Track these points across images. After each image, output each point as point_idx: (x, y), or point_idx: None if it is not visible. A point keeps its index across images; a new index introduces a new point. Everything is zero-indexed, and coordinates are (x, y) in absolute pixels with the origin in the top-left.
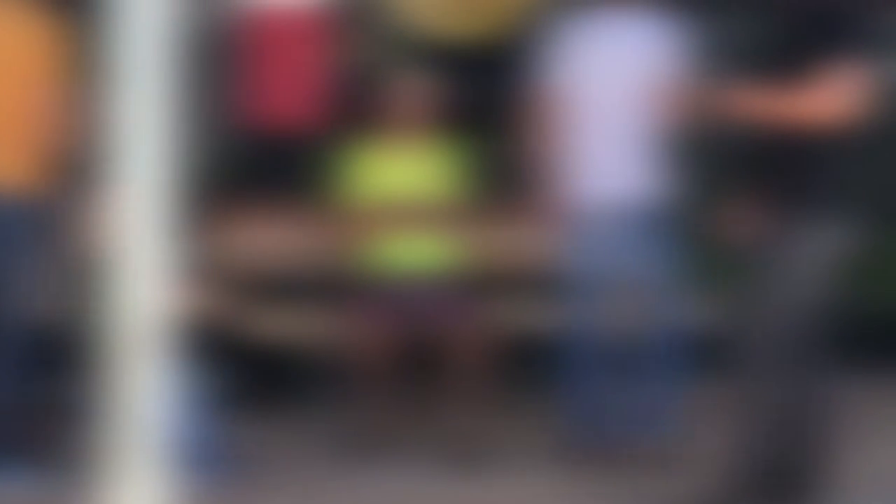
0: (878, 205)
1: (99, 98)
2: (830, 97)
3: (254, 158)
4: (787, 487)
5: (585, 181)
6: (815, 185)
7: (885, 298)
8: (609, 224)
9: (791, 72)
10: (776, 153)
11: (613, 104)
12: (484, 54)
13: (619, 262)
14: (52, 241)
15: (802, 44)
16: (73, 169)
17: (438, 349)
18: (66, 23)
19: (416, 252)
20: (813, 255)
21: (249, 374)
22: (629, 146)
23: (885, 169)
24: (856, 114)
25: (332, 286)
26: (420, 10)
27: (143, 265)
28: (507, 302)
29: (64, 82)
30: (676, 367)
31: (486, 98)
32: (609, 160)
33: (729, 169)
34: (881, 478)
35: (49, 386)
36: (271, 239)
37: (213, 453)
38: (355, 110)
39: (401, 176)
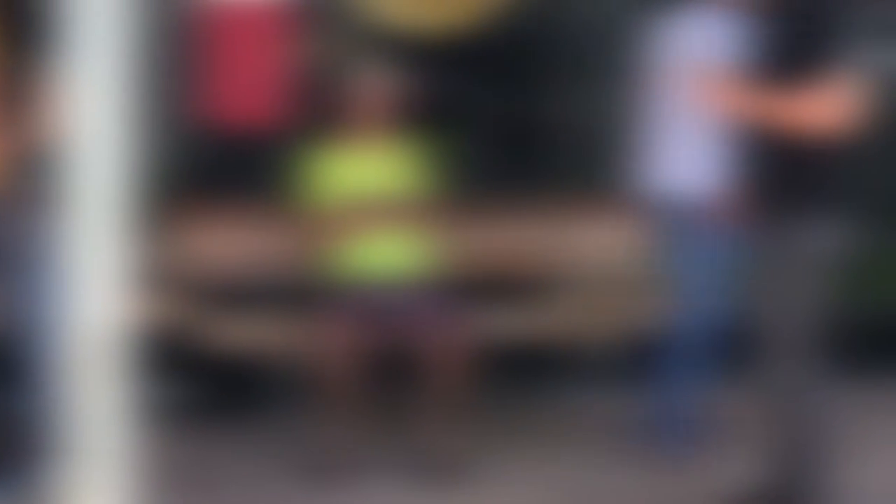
0: (879, 207)
1: (53, 99)
2: (828, 104)
3: (212, 159)
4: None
5: (669, 169)
6: (812, 185)
7: (885, 302)
8: (682, 218)
9: (789, 77)
10: (775, 153)
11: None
12: (452, 48)
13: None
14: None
15: (799, 49)
16: (28, 175)
17: (413, 358)
18: (19, 24)
19: (386, 255)
20: (809, 256)
21: (209, 386)
22: (699, 140)
23: (886, 170)
24: (853, 117)
25: (297, 292)
26: (385, 2)
27: (97, 272)
28: (489, 307)
29: (15, 85)
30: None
31: (455, 92)
32: (690, 151)
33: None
34: (878, 486)
35: (3, 398)
36: (232, 243)
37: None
38: (318, 107)
39: (366, 174)
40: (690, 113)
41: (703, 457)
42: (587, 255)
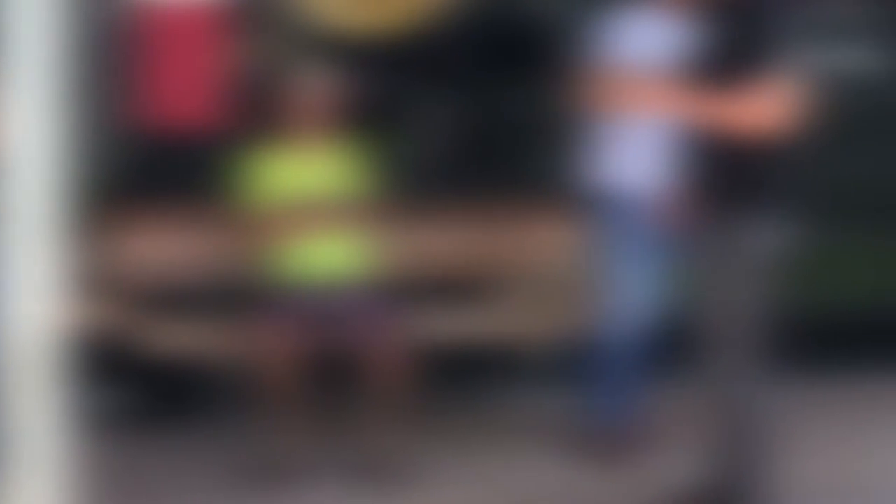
0: (824, 205)
1: None
2: (767, 105)
3: (149, 162)
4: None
5: (612, 170)
6: (753, 185)
7: (830, 300)
8: (631, 217)
9: (729, 78)
10: (716, 154)
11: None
12: (392, 49)
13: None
14: None
15: (739, 50)
16: None
17: (353, 361)
18: None
19: (326, 257)
20: (751, 255)
21: (147, 391)
22: (641, 140)
23: (832, 168)
24: (794, 118)
25: (236, 295)
26: (325, 2)
27: (32, 278)
28: (431, 309)
29: None
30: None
31: (393, 93)
32: (633, 152)
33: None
34: (821, 483)
35: None
36: (169, 247)
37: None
38: (256, 109)
39: (305, 176)
40: (631, 114)
41: (643, 454)
42: (528, 256)
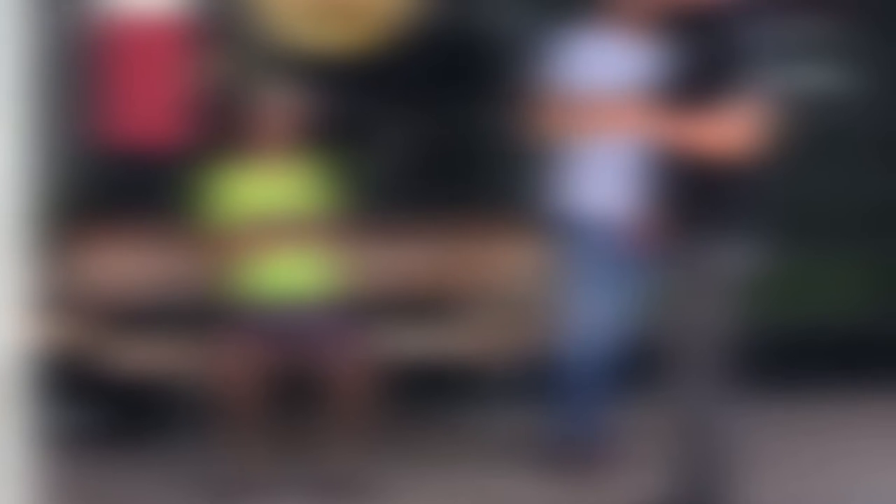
0: (787, 225)
1: None
2: (733, 126)
3: (112, 179)
4: None
5: (575, 192)
6: (720, 206)
7: (797, 320)
8: (595, 238)
9: (695, 99)
10: (682, 176)
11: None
12: (356, 67)
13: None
14: None
15: (706, 71)
16: None
17: (317, 380)
18: None
19: (289, 275)
20: (717, 276)
21: (108, 410)
22: (613, 162)
23: (799, 187)
24: (761, 139)
25: (198, 314)
26: (288, 21)
27: None
28: (394, 327)
29: None
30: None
31: (356, 112)
32: (597, 174)
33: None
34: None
35: None
36: (131, 264)
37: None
38: (220, 127)
39: (269, 194)
40: (590, 136)
41: (607, 472)
42: (491, 274)
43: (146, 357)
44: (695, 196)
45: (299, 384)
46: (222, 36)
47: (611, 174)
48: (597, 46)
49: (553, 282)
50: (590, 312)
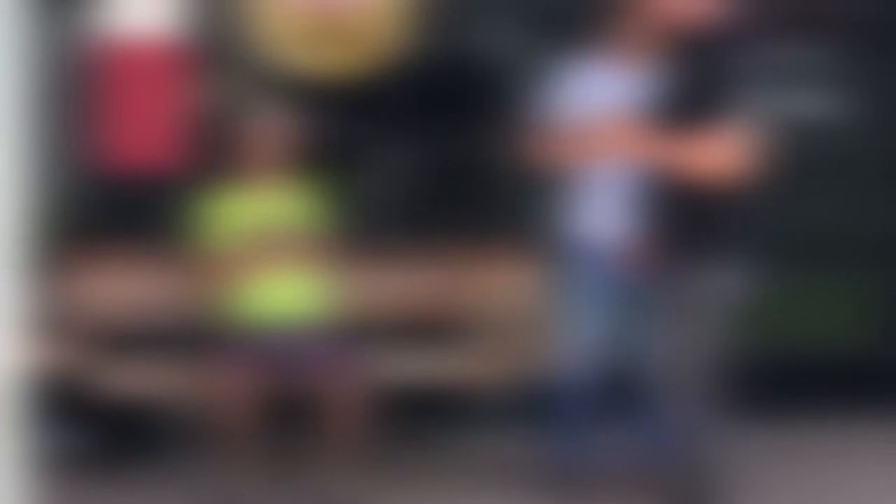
0: (778, 251)
1: None
2: (723, 151)
3: (105, 202)
4: None
5: (572, 217)
6: (710, 231)
7: (787, 346)
8: (591, 263)
9: (686, 124)
10: (672, 200)
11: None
12: (350, 91)
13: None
14: None
15: (696, 96)
16: None
17: (310, 404)
18: None
19: (282, 297)
20: (707, 301)
21: (100, 433)
22: (609, 187)
23: (789, 212)
24: (750, 164)
25: (192, 336)
26: (283, 44)
27: None
28: (390, 351)
29: None
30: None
31: (352, 135)
32: (592, 199)
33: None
34: None
35: None
36: (124, 287)
37: None
38: (214, 150)
39: (261, 216)
40: (586, 162)
41: (600, 497)
42: (487, 298)
43: (139, 380)
44: (686, 220)
45: (293, 408)
46: (217, 59)
47: (606, 199)
48: (592, 72)
49: (549, 306)
50: (586, 337)
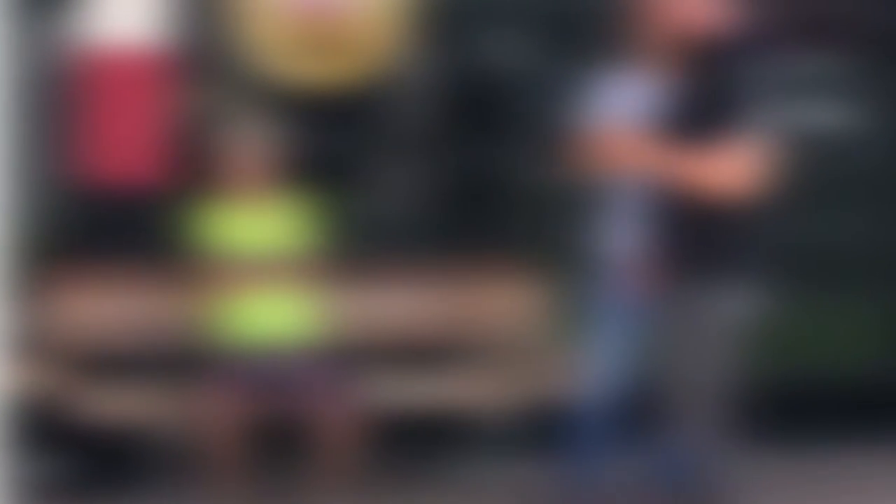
0: (794, 269)
1: None
2: (735, 164)
3: (87, 218)
4: None
5: (589, 235)
6: (721, 248)
7: (801, 368)
8: (603, 282)
9: (697, 137)
10: (683, 217)
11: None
12: (339, 102)
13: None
14: None
15: (708, 109)
16: None
17: (302, 430)
18: None
19: (273, 319)
20: (717, 322)
21: (81, 461)
22: (620, 203)
23: (804, 229)
24: (763, 178)
25: (177, 360)
26: (272, 53)
27: None
28: (387, 375)
29: None
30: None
31: (344, 149)
32: (604, 215)
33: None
34: None
35: None
36: (106, 307)
37: None
38: (199, 163)
39: (250, 234)
40: (602, 174)
41: None
42: (489, 319)
43: (123, 405)
44: (697, 237)
45: (283, 435)
46: (203, 68)
47: (620, 215)
48: (604, 83)
49: (560, 326)
50: (601, 359)
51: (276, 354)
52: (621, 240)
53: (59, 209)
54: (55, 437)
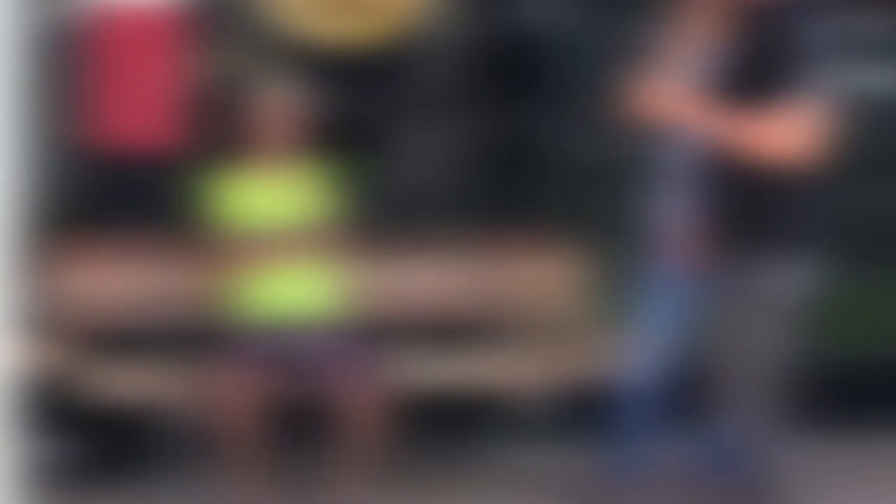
0: (851, 242)
1: None
2: (792, 129)
3: (99, 187)
4: None
5: (636, 204)
6: (775, 220)
7: (859, 348)
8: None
9: (751, 100)
10: (736, 185)
11: None
12: (366, 62)
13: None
14: None
15: (763, 70)
16: None
17: (325, 411)
18: None
19: (294, 293)
20: (771, 298)
21: (92, 442)
22: (676, 169)
23: (863, 201)
24: (821, 144)
25: (193, 336)
26: (294, 10)
27: None
28: (415, 353)
29: None
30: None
31: (373, 113)
32: (661, 184)
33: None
34: None
35: None
36: (120, 281)
37: None
38: (218, 128)
39: (271, 203)
40: (653, 139)
41: None
42: (525, 294)
43: (135, 384)
44: (748, 208)
45: (304, 415)
46: (220, 28)
47: (666, 183)
48: (653, 42)
49: (601, 302)
50: (646, 337)
51: (297, 331)
52: (670, 209)
53: (69, 176)
54: (64, 417)
